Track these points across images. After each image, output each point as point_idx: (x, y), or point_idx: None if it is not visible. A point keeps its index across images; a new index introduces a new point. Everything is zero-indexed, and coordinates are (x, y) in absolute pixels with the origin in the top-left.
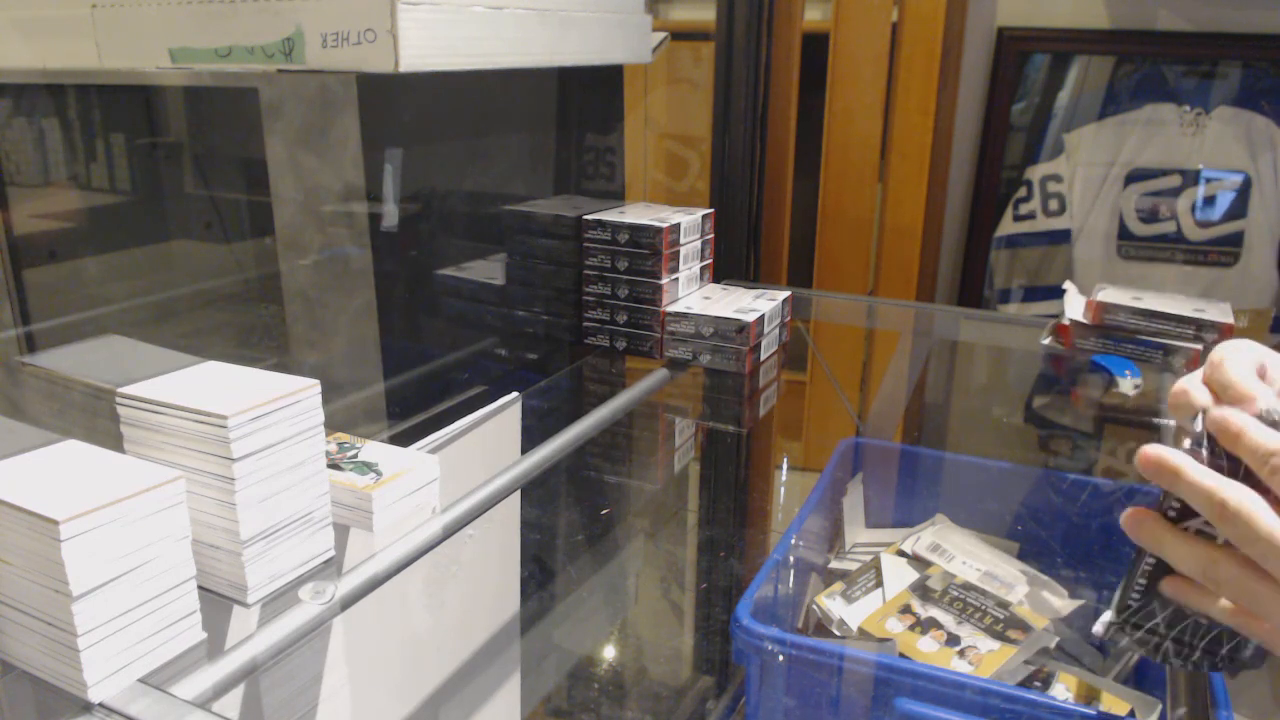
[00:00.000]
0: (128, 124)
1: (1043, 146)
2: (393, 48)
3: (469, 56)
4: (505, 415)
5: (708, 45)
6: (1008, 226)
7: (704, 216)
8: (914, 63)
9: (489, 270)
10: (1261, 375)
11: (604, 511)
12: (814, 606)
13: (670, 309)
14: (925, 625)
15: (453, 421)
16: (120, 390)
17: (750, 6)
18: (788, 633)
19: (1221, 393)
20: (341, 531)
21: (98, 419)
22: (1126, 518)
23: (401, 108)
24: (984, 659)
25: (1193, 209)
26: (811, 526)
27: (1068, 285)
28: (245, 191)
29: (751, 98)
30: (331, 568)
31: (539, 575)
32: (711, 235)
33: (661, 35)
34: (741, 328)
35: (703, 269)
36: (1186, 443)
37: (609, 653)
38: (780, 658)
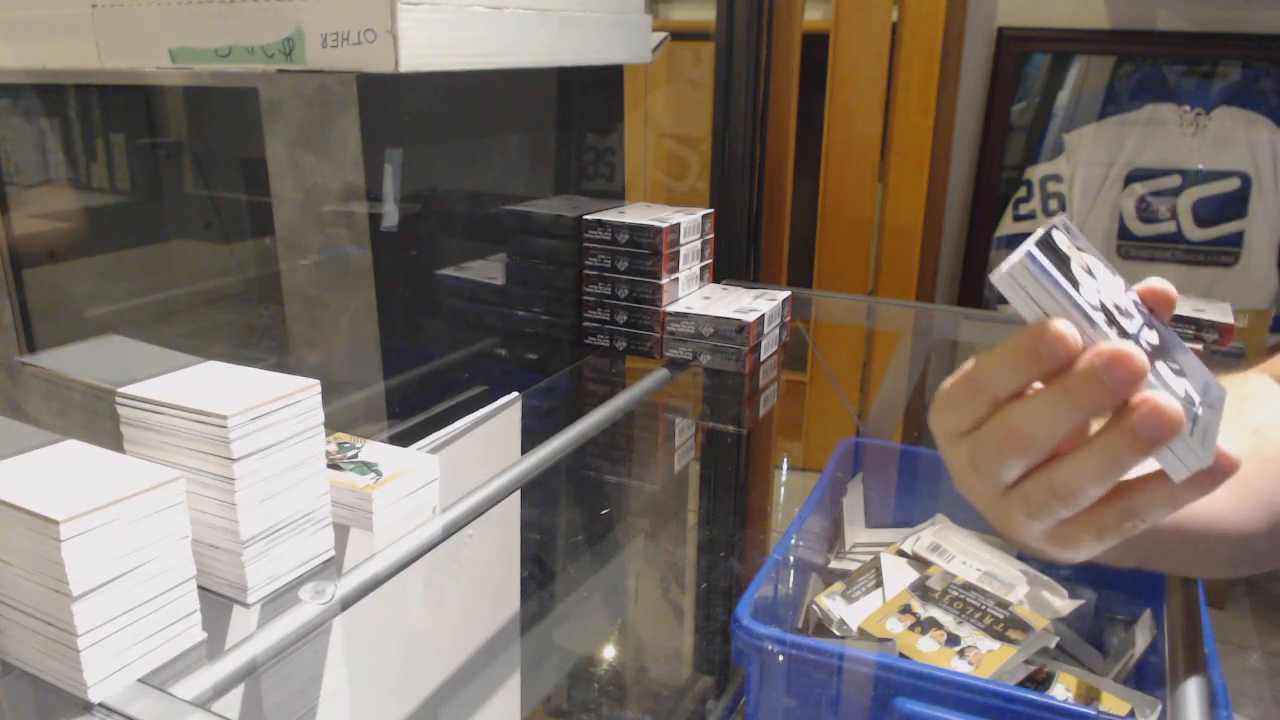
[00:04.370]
0: (128, 124)
1: (1043, 146)
2: (393, 48)
3: (469, 56)
4: (505, 415)
5: (708, 45)
6: (1008, 226)
7: (704, 216)
8: (914, 63)
9: (489, 270)
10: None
11: (604, 511)
12: (814, 606)
13: (670, 309)
14: (925, 625)
15: (453, 421)
16: (120, 390)
17: (750, 6)
18: (788, 633)
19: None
20: (341, 531)
21: (98, 419)
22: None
23: (401, 108)
24: (984, 659)
25: (1193, 209)
26: (811, 526)
27: None
28: (245, 191)
29: (751, 98)
30: (331, 568)
31: (539, 575)
32: (711, 235)
33: (661, 35)
34: (741, 328)
35: (703, 269)
36: None
37: (609, 653)
38: (780, 658)
